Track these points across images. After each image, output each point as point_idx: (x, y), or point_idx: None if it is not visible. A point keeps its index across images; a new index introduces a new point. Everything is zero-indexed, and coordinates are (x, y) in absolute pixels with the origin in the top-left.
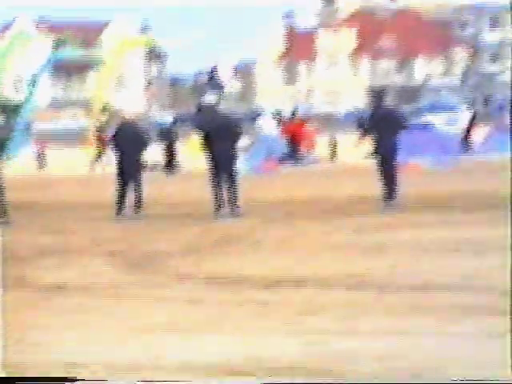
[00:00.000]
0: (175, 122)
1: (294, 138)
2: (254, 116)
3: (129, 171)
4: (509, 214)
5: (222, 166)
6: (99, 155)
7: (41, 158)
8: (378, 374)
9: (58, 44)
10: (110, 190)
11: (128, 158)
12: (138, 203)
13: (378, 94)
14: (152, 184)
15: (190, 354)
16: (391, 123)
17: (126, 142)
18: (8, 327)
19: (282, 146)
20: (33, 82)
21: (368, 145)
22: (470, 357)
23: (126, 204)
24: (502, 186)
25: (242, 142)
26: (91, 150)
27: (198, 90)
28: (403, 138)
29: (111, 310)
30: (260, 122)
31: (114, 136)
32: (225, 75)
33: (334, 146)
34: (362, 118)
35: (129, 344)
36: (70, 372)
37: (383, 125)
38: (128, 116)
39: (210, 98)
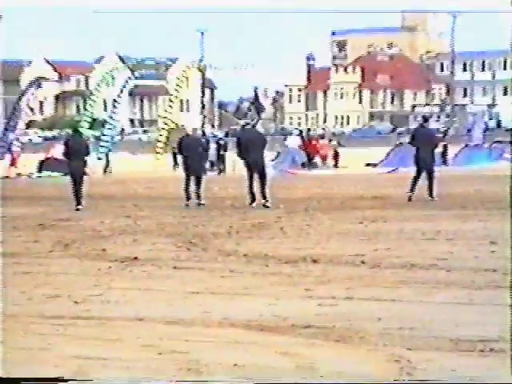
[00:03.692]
0: (226, 135)
1: (312, 151)
2: (284, 134)
3: (193, 171)
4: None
5: (254, 170)
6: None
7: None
8: (377, 332)
9: (134, 75)
10: (171, 187)
11: (192, 161)
12: (199, 196)
13: (423, 118)
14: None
15: (231, 312)
16: (429, 140)
17: (191, 149)
18: (91, 289)
19: (303, 157)
20: (115, 104)
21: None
22: (443, 319)
23: (191, 196)
24: (469, 190)
25: (271, 152)
26: (158, 156)
27: (241, 112)
28: (398, 154)
29: (172, 277)
30: (288, 139)
31: (181, 145)
32: (264, 101)
33: (338, 157)
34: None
35: (184, 304)
36: (135, 325)
37: (423, 141)
38: (191, 131)
39: (251, 118)
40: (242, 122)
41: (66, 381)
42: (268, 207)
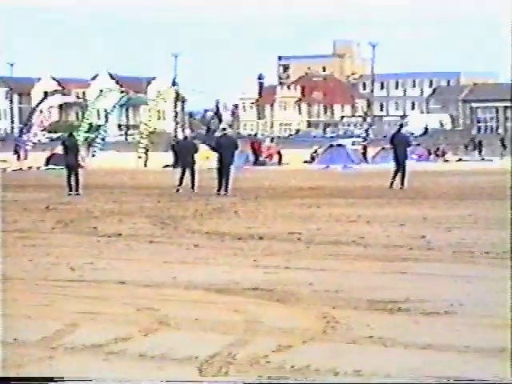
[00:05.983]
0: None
1: (259, 151)
2: (240, 138)
3: (186, 165)
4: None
5: (224, 165)
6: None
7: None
8: (309, 294)
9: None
10: (150, 178)
11: (184, 158)
12: (193, 185)
13: (399, 126)
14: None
15: (194, 277)
16: (403, 142)
17: (184, 149)
18: (84, 258)
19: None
20: (107, 114)
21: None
22: (361, 284)
23: (182, 185)
24: (384, 184)
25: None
26: (140, 154)
27: (206, 120)
28: (329, 154)
29: (148, 249)
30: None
31: (177, 146)
32: (223, 113)
33: (281, 156)
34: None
35: (157, 270)
36: (118, 287)
37: (399, 142)
38: (183, 135)
39: (214, 125)
40: (220, 128)
41: (64, 380)
42: (227, 195)
